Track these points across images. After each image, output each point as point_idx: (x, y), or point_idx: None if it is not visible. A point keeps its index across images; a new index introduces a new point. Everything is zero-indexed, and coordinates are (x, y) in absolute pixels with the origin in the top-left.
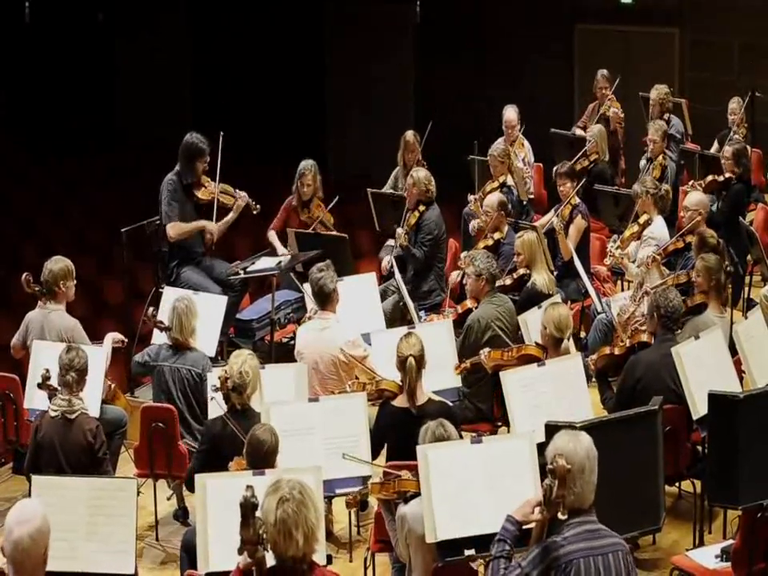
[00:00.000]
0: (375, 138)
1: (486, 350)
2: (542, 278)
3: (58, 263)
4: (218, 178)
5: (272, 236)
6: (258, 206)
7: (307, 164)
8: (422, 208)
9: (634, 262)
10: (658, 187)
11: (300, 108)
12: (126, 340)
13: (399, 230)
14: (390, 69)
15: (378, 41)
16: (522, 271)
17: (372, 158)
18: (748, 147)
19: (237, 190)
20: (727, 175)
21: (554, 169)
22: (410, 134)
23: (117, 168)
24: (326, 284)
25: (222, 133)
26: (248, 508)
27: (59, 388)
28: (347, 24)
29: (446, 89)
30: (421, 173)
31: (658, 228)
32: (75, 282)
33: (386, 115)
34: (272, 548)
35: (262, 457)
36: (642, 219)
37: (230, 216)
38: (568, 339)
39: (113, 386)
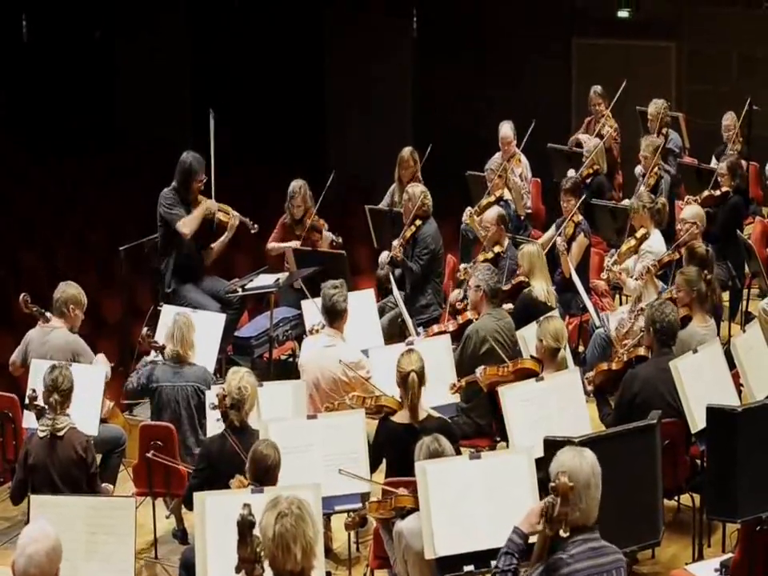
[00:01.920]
0: (375, 139)
1: (481, 367)
2: (540, 286)
3: (73, 288)
4: (212, 163)
5: (271, 246)
6: (255, 226)
7: (297, 185)
8: (418, 222)
9: (632, 276)
10: (654, 201)
11: (300, 108)
12: (112, 364)
13: (394, 242)
14: (389, 69)
15: (378, 41)
16: (521, 278)
17: (371, 159)
18: (743, 161)
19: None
20: (724, 189)
21: (562, 183)
22: (405, 151)
23: (117, 169)
24: (339, 301)
25: (211, 110)
26: (245, 526)
27: (46, 407)
28: (347, 24)
29: (445, 89)
30: (416, 188)
31: (656, 241)
32: (83, 315)
33: (385, 116)
34: (270, 563)
35: (265, 472)
36: (639, 233)
37: (225, 235)
38: (564, 349)
39: (111, 404)
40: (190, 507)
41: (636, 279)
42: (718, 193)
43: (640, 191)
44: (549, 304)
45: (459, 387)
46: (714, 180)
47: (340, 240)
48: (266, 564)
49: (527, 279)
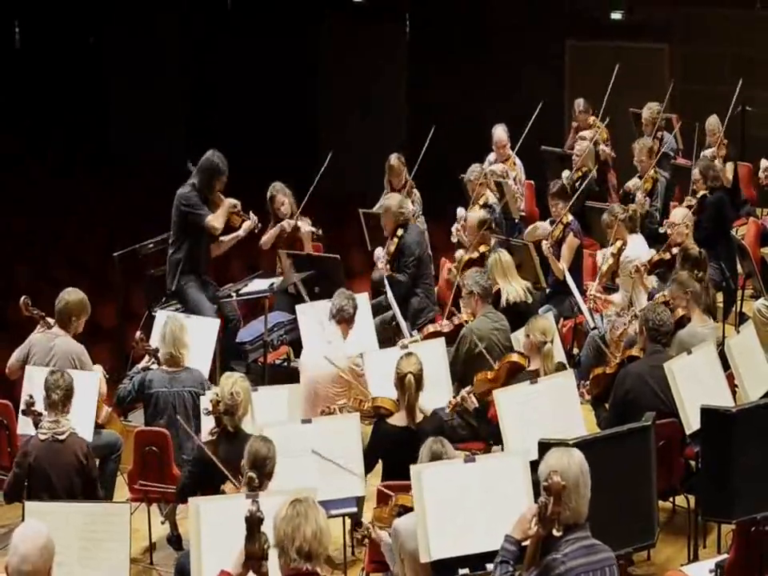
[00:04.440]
0: (370, 143)
1: (468, 388)
2: (512, 288)
3: (75, 295)
4: None
5: (264, 240)
6: (259, 224)
7: (274, 187)
8: (399, 232)
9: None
10: (625, 209)
11: (294, 115)
12: (108, 375)
13: (380, 263)
14: (384, 74)
15: (372, 46)
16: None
17: (366, 163)
18: (724, 163)
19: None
20: (700, 194)
21: (549, 186)
22: (393, 158)
23: (110, 185)
24: (347, 311)
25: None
26: (254, 522)
27: (44, 413)
28: (342, 31)
29: (439, 93)
30: (391, 200)
31: (635, 248)
32: (87, 316)
33: (380, 120)
34: (278, 545)
35: (263, 461)
36: (616, 247)
37: (237, 234)
38: (551, 342)
39: (108, 410)
40: (179, 499)
41: (629, 275)
42: (694, 201)
43: (612, 205)
44: (526, 300)
45: (456, 405)
46: (691, 189)
47: (320, 232)
48: (274, 554)
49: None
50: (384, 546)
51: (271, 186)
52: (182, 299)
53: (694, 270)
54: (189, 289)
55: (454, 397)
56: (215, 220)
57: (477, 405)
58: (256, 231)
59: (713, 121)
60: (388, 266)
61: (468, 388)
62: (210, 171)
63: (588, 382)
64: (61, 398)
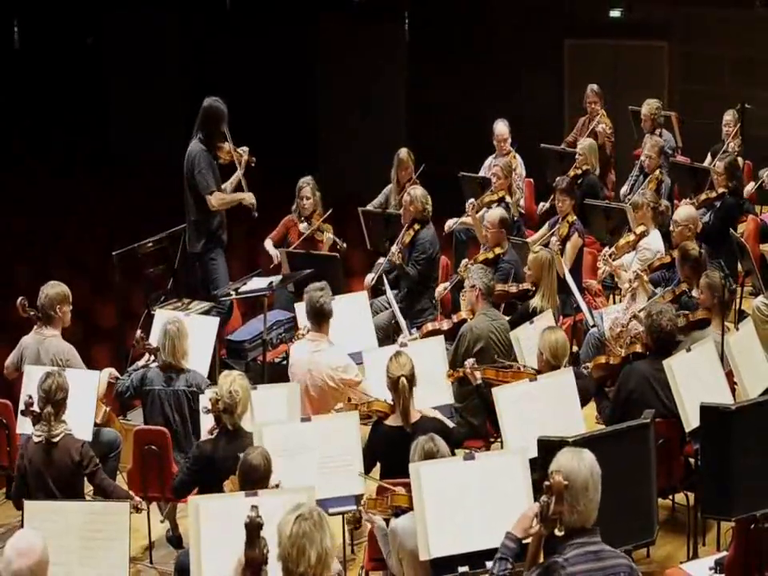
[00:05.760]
0: (368, 143)
1: (472, 360)
2: (544, 302)
3: (54, 288)
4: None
5: (268, 244)
6: (253, 159)
7: (305, 179)
8: (417, 226)
9: (626, 270)
10: (658, 201)
11: (293, 116)
12: (120, 376)
13: (393, 248)
14: (383, 75)
15: (371, 47)
16: (528, 285)
17: (365, 162)
18: (740, 159)
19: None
20: (720, 190)
21: (554, 183)
22: (403, 152)
23: (110, 185)
24: (326, 303)
25: None
26: (253, 528)
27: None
28: (340, 31)
29: (438, 92)
30: (418, 191)
31: (654, 240)
32: (71, 307)
33: (379, 120)
34: (282, 563)
35: (256, 482)
36: (639, 230)
37: (238, 173)
38: (564, 366)
39: (107, 409)
40: (176, 495)
41: (627, 282)
42: (713, 194)
43: (644, 189)
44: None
45: (457, 376)
46: (710, 181)
47: (344, 245)
48: (278, 566)
49: (533, 288)
50: (377, 529)
51: (303, 178)
52: (201, 263)
53: (703, 272)
54: (212, 257)
55: (456, 369)
56: (216, 200)
57: (480, 381)
58: (252, 165)
59: (731, 113)
60: (400, 255)
61: (474, 363)
62: (214, 118)
63: (589, 365)
64: (52, 412)
